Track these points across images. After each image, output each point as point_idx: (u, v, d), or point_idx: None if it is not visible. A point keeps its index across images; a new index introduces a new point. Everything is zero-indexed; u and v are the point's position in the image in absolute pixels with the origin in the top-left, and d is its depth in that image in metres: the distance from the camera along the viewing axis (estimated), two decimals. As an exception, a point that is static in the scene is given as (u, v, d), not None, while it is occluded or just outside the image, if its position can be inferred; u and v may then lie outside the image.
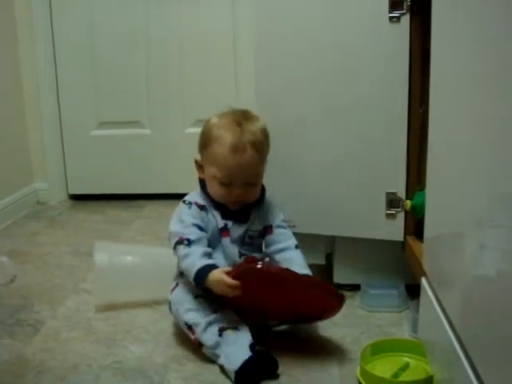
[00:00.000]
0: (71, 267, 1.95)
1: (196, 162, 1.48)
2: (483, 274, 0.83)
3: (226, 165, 1.39)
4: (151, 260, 1.74)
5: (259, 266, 1.34)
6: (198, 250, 1.37)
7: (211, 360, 1.34)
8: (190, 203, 1.45)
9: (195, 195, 1.48)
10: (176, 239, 1.40)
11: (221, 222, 1.44)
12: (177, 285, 1.46)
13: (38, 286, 1.80)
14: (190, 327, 1.37)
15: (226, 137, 1.40)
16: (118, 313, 1.60)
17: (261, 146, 1.42)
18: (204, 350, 1.35)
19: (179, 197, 2.60)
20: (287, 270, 1.34)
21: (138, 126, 2.72)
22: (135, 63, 2.66)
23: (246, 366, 1.26)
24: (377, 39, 1.46)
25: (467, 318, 0.92)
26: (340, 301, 1.37)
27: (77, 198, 2.80)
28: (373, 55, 1.47)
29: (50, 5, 2.61)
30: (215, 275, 1.31)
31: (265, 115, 1.49)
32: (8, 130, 2.55)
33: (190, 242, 1.38)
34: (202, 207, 1.44)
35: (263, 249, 1.52)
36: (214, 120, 1.45)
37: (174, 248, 1.41)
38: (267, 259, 1.50)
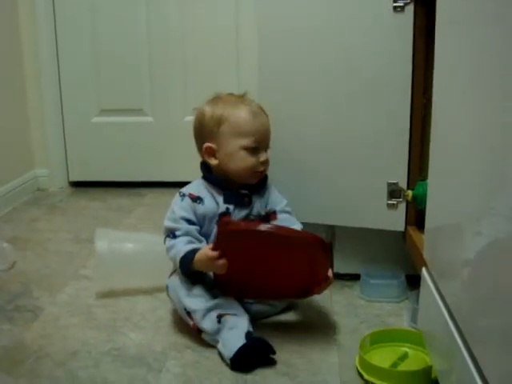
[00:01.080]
0: (71, 254, 1.95)
1: (207, 149, 1.47)
2: (484, 265, 0.83)
3: (252, 128, 1.43)
4: (151, 247, 1.73)
5: (232, 228, 1.35)
6: (183, 239, 1.40)
7: (210, 347, 1.34)
8: (183, 195, 1.47)
9: (192, 186, 1.50)
10: (166, 233, 1.44)
11: (223, 207, 1.45)
12: (175, 270, 1.47)
13: (38, 272, 1.80)
14: (188, 313, 1.38)
15: (239, 108, 1.44)
16: (117, 300, 1.60)
17: (265, 111, 1.48)
18: (203, 335, 1.36)
19: (180, 185, 2.58)
20: (259, 223, 1.39)
21: (140, 114, 2.71)
22: (137, 51, 2.64)
23: (241, 353, 1.27)
24: (381, 29, 1.45)
25: (467, 309, 0.92)
26: (325, 247, 1.35)
27: (77, 184, 2.79)
28: (376, 44, 1.47)
29: (53, -5, 2.60)
30: (200, 255, 1.35)
31: (268, 107, 1.50)
32: (9, 117, 2.54)
33: (175, 236, 1.41)
34: (195, 198, 1.46)
35: None
36: (211, 106, 1.47)
37: (164, 241, 1.44)
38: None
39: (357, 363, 1.25)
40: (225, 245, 1.32)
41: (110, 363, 1.30)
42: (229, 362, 1.28)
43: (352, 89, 1.50)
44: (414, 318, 1.39)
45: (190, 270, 1.38)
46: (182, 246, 1.39)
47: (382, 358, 1.26)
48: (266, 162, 1.46)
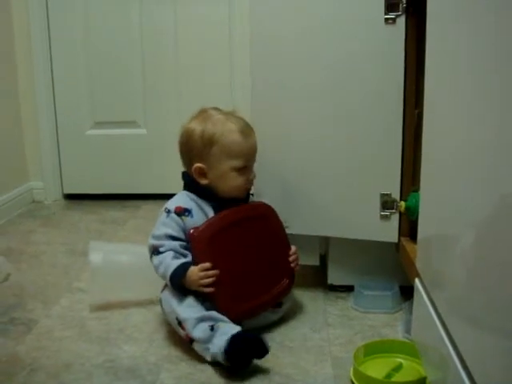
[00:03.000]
0: (65, 266, 1.95)
1: (197, 169, 1.46)
2: (476, 276, 0.83)
3: (243, 150, 1.44)
4: (145, 260, 1.72)
5: (201, 228, 1.40)
6: (169, 254, 1.40)
7: (204, 360, 1.34)
8: (168, 211, 1.45)
9: (178, 199, 1.49)
10: (150, 242, 1.44)
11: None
12: (167, 284, 1.46)
13: (32, 284, 1.79)
14: (180, 323, 1.37)
15: (230, 128, 1.44)
16: (111, 312, 1.60)
17: (251, 126, 1.49)
18: (194, 345, 1.35)
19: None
20: (224, 216, 1.43)
21: (134, 126, 2.72)
22: (131, 64, 2.66)
23: (234, 342, 1.28)
24: (372, 41, 1.46)
25: (460, 320, 0.92)
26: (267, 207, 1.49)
27: (72, 197, 2.80)
28: (368, 57, 1.47)
29: (47, 3, 2.61)
30: (191, 272, 1.37)
31: (259, 117, 1.51)
32: (3, 129, 2.55)
33: (159, 252, 1.42)
34: (183, 211, 1.45)
35: None
36: (200, 124, 1.47)
37: (150, 258, 1.45)
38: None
39: (351, 374, 1.24)
40: (206, 253, 1.38)
41: (104, 375, 1.30)
42: (223, 356, 1.28)
43: (344, 100, 1.51)
44: (408, 329, 1.39)
45: (180, 285, 1.39)
46: (169, 260, 1.39)
47: (377, 369, 1.26)
48: (252, 179, 1.50)
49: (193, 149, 1.46)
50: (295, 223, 1.57)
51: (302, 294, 1.61)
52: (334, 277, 1.68)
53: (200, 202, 1.47)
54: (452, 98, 0.98)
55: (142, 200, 2.70)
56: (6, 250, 2.07)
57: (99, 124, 2.73)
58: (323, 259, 1.74)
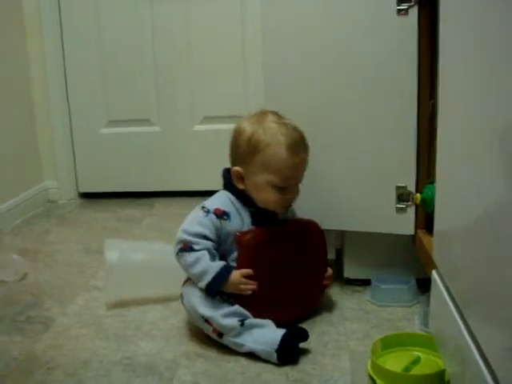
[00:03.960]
0: (81, 265, 1.95)
1: (235, 173, 1.42)
2: (494, 266, 0.82)
3: (285, 168, 1.37)
4: (161, 257, 1.73)
5: (250, 234, 1.38)
6: (206, 255, 1.36)
7: (222, 356, 1.34)
8: (208, 211, 1.40)
9: (218, 199, 1.44)
10: (180, 246, 1.39)
11: (250, 228, 1.42)
12: (189, 279, 1.44)
13: (49, 283, 1.80)
14: (206, 320, 1.36)
15: (278, 139, 1.37)
16: (127, 309, 1.60)
17: (306, 140, 1.43)
18: (224, 339, 1.35)
19: (189, 194, 2.65)
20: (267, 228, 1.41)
21: (148, 124, 2.72)
22: (143, 61, 2.66)
23: (286, 341, 1.29)
24: (385, 32, 1.45)
25: (479, 311, 0.91)
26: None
27: (87, 196, 2.81)
28: (381, 48, 1.46)
29: (59, 4, 2.62)
30: (233, 279, 1.35)
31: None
32: (18, 129, 2.56)
33: (192, 249, 1.37)
34: (222, 214, 1.40)
35: None
36: (251, 126, 1.40)
37: (177, 254, 1.40)
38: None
39: (369, 368, 1.23)
40: (252, 259, 1.36)
41: (121, 373, 1.30)
42: (274, 354, 1.29)
43: (358, 93, 1.50)
44: (425, 322, 1.38)
45: (219, 287, 1.35)
46: (208, 261, 1.35)
47: (394, 362, 1.25)
48: (292, 198, 1.44)
49: (237, 149, 1.42)
50: (311, 217, 1.56)
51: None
52: (350, 271, 1.67)
53: (238, 205, 1.43)
54: (466, 88, 0.96)
55: (155, 197, 2.71)
56: (22, 250, 2.08)
57: (113, 122, 2.73)
58: (339, 253, 1.73)
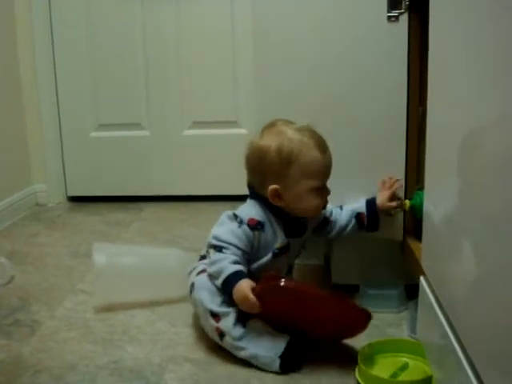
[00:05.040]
0: (69, 268, 1.94)
1: (273, 191, 1.36)
2: (482, 273, 0.83)
3: (321, 168, 1.37)
4: (149, 261, 1.73)
5: (282, 284, 1.27)
6: (230, 257, 1.32)
7: (209, 360, 1.34)
8: (241, 222, 1.37)
9: (250, 209, 1.41)
10: (213, 242, 1.35)
11: (284, 241, 1.40)
12: (204, 270, 1.41)
13: (36, 286, 1.79)
14: (213, 315, 1.35)
15: (307, 143, 1.35)
16: (115, 313, 1.59)
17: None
18: (224, 341, 1.34)
19: (178, 199, 2.64)
20: (309, 286, 1.35)
21: (137, 128, 2.71)
22: (134, 65, 2.65)
23: (290, 349, 1.29)
24: (375, 39, 1.46)
25: (466, 318, 0.91)
26: (367, 317, 1.31)
27: (76, 199, 2.80)
28: (372, 55, 1.47)
29: (50, 6, 2.61)
30: (241, 288, 1.27)
31: (265, 117, 1.49)
32: (7, 132, 2.55)
33: (221, 251, 1.33)
34: (256, 225, 1.37)
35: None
36: (275, 140, 1.36)
37: (207, 251, 1.38)
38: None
39: (356, 374, 1.24)
40: (265, 297, 1.27)
41: (108, 376, 1.29)
42: (277, 361, 1.28)
43: (347, 98, 1.50)
44: (413, 328, 1.39)
45: (229, 292, 1.31)
46: (227, 263, 1.31)
47: (382, 368, 1.25)
48: (327, 197, 1.42)
49: (267, 167, 1.36)
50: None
51: (306, 294, 1.60)
52: (338, 276, 1.66)
53: (271, 217, 1.40)
54: (455, 95, 0.97)
55: (144, 202, 2.70)
56: (10, 253, 2.07)
57: (103, 126, 2.73)
58: (327, 259, 1.73)
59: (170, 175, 2.71)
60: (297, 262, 1.55)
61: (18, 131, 2.65)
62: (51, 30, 2.64)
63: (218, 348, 1.37)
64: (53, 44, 2.65)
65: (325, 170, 1.38)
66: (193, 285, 1.42)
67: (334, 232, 1.51)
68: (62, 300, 1.69)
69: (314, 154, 1.35)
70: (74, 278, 1.85)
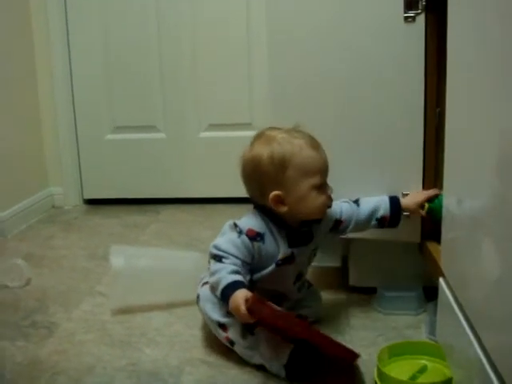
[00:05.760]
0: (86, 270, 1.95)
1: (275, 198, 1.33)
2: (503, 274, 0.82)
3: (317, 164, 1.34)
4: (167, 263, 1.73)
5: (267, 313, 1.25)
6: (228, 267, 1.30)
7: (226, 363, 1.34)
8: (240, 232, 1.35)
9: (250, 219, 1.38)
10: (213, 251, 1.34)
11: (287, 251, 1.37)
12: (206, 282, 1.41)
13: (53, 288, 1.80)
14: (221, 326, 1.36)
15: (298, 144, 1.33)
16: (133, 316, 1.59)
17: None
18: (236, 348, 1.34)
19: (195, 201, 2.64)
20: (296, 325, 1.29)
21: (153, 131, 2.72)
22: (149, 67, 2.66)
23: (295, 357, 1.27)
24: (392, 39, 1.44)
25: (487, 319, 0.90)
26: (353, 357, 1.28)
27: (92, 202, 2.81)
28: (388, 56, 1.46)
29: (66, 11, 2.63)
30: (236, 298, 1.24)
31: (280, 119, 1.48)
32: (24, 136, 2.57)
33: (221, 261, 1.31)
34: (255, 236, 1.35)
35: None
36: (266, 147, 1.34)
37: (209, 262, 1.36)
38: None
39: (375, 376, 1.23)
40: (256, 311, 1.23)
41: (126, 379, 1.29)
42: (283, 370, 1.27)
43: (365, 100, 1.49)
44: (432, 330, 1.38)
45: (227, 301, 1.28)
46: (225, 273, 1.28)
47: (401, 370, 1.24)
48: (331, 195, 1.38)
49: (263, 176, 1.34)
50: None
51: (323, 296, 1.59)
52: (356, 278, 1.66)
53: (273, 227, 1.37)
54: (474, 96, 0.96)
55: (161, 204, 2.70)
56: (26, 255, 2.07)
57: (119, 129, 2.73)
58: (345, 261, 1.73)
59: (186, 177, 2.72)
60: (314, 264, 1.54)
61: (35, 134, 2.67)
62: (67, 33, 2.65)
63: (233, 351, 1.36)
64: (69, 47, 2.66)
65: (321, 167, 1.35)
66: (198, 296, 1.43)
67: (349, 229, 1.48)
68: (79, 302, 1.69)
69: (306, 152, 1.33)
70: (91, 280, 1.85)
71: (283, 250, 1.36)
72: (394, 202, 1.46)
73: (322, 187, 1.35)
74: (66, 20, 2.64)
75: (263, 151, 1.34)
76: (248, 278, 1.33)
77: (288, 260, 1.37)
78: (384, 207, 1.46)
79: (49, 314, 1.62)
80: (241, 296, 1.23)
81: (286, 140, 1.34)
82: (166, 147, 2.72)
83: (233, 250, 1.32)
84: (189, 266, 1.67)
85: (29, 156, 2.60)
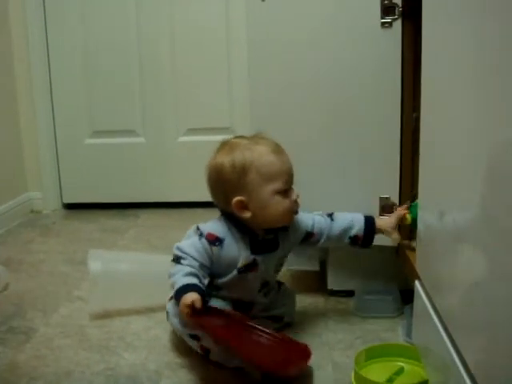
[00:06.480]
0: (65, 275, 1.94)
1: (237, 203, 1.33)
2: (477, 277, 0.83)
3: (279, 169, 1.33)
4: (146, 267, 1.73)
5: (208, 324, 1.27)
6: (184, 269, 1.31)
7: (205, 367, 1.34)
8: (201, 234, 1.36)
9: (213, 224, 1.39)
10: (174, 252, 1.35)
11: (249, 258, 1.36)
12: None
13: (31, 293, 1.79)
14: (193, 336, 1.35)
15: (259, 150, 1.34)
16: (111, 320, 1.59)
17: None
18: (212, 356, 1.34)
19: (173, 206, 2.64)
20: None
21: (132, 135, 2.72)
22: (128, 72, 2.66)
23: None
24: (369, 45, 1.46)
25: (461, 321, 0.92)
26: (306, 350, 1.32)
27: (71, 206, 2.80)
28: (365, 61, 1.47)
29: (45, 14, 2.62)
30: (184, 301, 1.24)
31: (259, 123, 1.49)
32: (2, 139, 2.55)
33: (179, 263, 1.33)
34: (214, 240, 1.35)
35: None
36: (227, 155, 1.35)
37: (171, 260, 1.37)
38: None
39: (352, 379, 1.23)
40: (201, 315, 1.25)
41: (104, 383, 1.29)
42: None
43: (342, 104, 1.51)
44: (408, 333, 1.39)
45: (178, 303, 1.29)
46: (180, 275, 1.29)
47: (378, 373, 1.25)
48: (297, 200, 1.37)
49: (226, 183, 1.34)
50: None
51: (302, 300, 1.60)
52: (334, 282, 1.67)
53: (236, 233, 1.37)
54: (449, 101, 0.97)
55: (140, 209, 2.70)
56: (5, 260, 2.06)
57: (98, 133, 2.73)
58: (323, 264, 1.74)
59: (165, 182, 2.72)
60: (293, 267, 1.54)
61: (13, 138, 2.65)
62: (46, 37, 2.64)
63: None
64: (48, 51, 2.66)
65: (283, 171, 1.34)
66: (167, 313, 1.44)
67: (320, 243, 1.46)
68: (58, 307, 1.69)
69: (267, 158, 1.33)
70: (69, 285, 1.85)
71: (245, 257, 1.36)
72: (369, 222, 1.45)
73: (286, 192, 1.34)
74: (45, 23, 2.64)
75: (225, 159, 1.34)
76: (206, 281, 1.34)
77: (250, 267, 1.37)
78: (358, 226, 1.44)
79: (27, 319, 1.61)
80: (188, 299, 1.24)
81: (247, 147, 1.34)
82: (145, 152, 2.72)
83: (193, 252, 1.33)
84: (168, 271, 1.66)
85: (7, 160, 2.59)
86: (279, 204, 1.34)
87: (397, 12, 1.41)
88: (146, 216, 2.62)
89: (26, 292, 1.80)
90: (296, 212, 1.38)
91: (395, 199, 1.50)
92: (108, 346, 1.45)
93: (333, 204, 1.54)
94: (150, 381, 1.30)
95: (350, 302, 1.62)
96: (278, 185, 1.33)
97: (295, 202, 1.36)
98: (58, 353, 1.43)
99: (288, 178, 1.35)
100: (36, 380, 1.31)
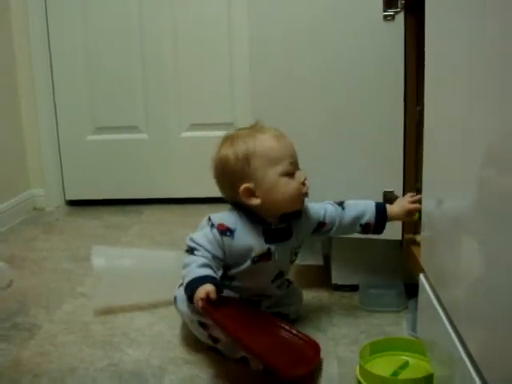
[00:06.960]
0: (68, 272, 1.94)
1: (245, 191, 1.34)
2: (482, 269, 0.83)
3: (282, 152, 1.34)
4: (149, 263, 1.73)
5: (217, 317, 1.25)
6: (199, 260, 1.30)
7: (209, 362, 1.33)
8: (212, 225, 1.35)
9: (224, 215, 1.39)
10: (188, 243, 1.35)
11: (264, 247, 1.36)
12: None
13: (35, 290, 1.79)
14: (203, 325, 1.35)
15: (260, 138, 1.35)
16: (115, 316, 1.59)
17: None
18: (219, 345, 1.34)
19: (177, 201, 2.64)
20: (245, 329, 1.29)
21: (135, 131, 2.72)
22: (131, 68, 2.66)
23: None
24: (372, 38, 1.45)
25: (466, 314, 0.91)
26: (315, 345, 1.33)
27: (74, 203, 2.80)
28: (368, 54, 1.47)
29: (46, 10, 2.62)
30: (199, 292, 1.24)
31: (261, 118, 1.48)
32: (4, 136, 2.55)
33: (193, 253, 1.32)
34: (225, 231, 1.35)
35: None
36: (231, 147, 1.36)
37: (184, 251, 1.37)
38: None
39: (357, 373, 1.23)
40: (215, 306, 1.24)
41: (108, 379, 1.29)
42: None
43: (344, 98, 1.50)
44: (413, 327, 1.38)
45: (191, 295, 1.27)
46: (195, 266, 1.29)
47: (383, 367, 1.24)
48: (306, 183, 1.36)
49: (232, 174, 1.35)
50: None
51: (306, 294, 1.60)
52: (338, 276, 1.66)
53: (248, 223, 1.37)
54: (452, 94, 0.97)
55: (143, 205, 2.70)
56: (8, 257, 2.06)
57: (100, 129, 2.73)
58: (327, 259, 1.73)
59: (168, 178, 2.71)
60: (297, 262, 1.54)
61: (15, 135, 2.65)
62: (48, 34, 2.64)
63: (215, 349, 1.36)
64: (50, 48, 2.66)
65: (286, 153, 1.35)
66: (175, 298, 1.43)
67: (332, 232, 1.46)
68: (61, 303, 1.68)
69: (268, 143, 1.34)
70: (72, 282, 1.85)
71: (259, 247, 1.36)
72: (381, 209, 1.44)
73: (293, 174, 1.35)
74: (47, 21, 2.64)
75: (229, 151, 1.36)
76: (220, 272, 1.34)
77: (264, 256, 1.37)
78: (370, 213, 1.43)
79: (30, 316, 1.61)
80: (203, 291, 1.23)
81: (248, 136, 1.36)
82: (148, 148, 2.72)
83: (205, 244, 1.33)
84: (171, 266, 1.66)
85: (10, 157, 2.59)
86: (287, 185, 1.34)
87: (399, 5, 1.40)
88: (149, 212, 2.62)
89: (29, 289, 1.80)
90: (306, 194, 1.38)
91: (399, 193, 1.49)
92: (112, 342, 1.45)
93: (336, 198, 1.54)
94: (154, 377, 1.29)
95: (355, 297, 1.61)
96: (282, 167, 1.33)
97: (303, 184, 1.36)
98: (61, 349, 1.43)
99: (292, 159, 1.35)
100: (40, 376, 1.31)
